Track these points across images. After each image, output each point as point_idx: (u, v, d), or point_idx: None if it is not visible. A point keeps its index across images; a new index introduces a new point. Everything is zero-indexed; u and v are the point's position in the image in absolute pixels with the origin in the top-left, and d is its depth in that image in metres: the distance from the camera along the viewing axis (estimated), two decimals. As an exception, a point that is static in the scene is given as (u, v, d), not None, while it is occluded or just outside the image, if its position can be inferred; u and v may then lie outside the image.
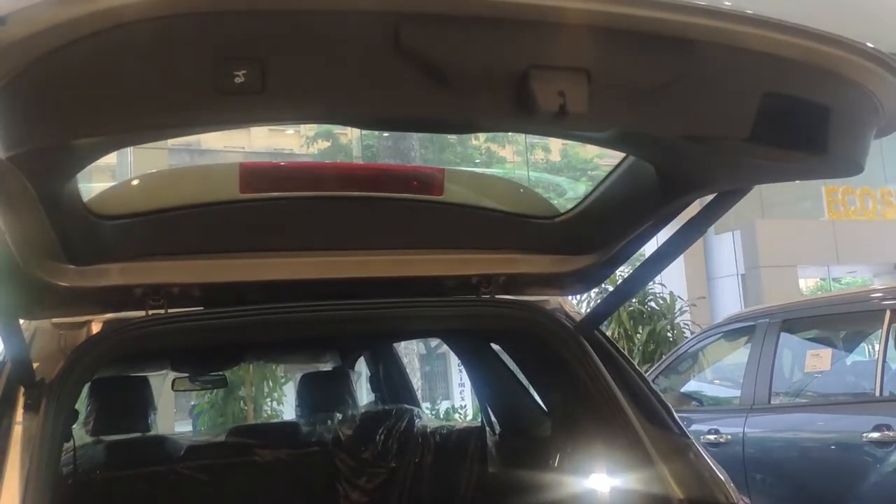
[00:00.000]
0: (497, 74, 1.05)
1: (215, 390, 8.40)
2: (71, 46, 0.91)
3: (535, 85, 1.04)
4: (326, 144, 16.80)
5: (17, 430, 1.69)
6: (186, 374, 3.90)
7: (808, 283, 15.34)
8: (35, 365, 1.75)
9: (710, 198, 1.79)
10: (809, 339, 5.42)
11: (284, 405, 9.94)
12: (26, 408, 1.71)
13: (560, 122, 1.08)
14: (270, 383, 9.76)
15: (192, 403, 11.30)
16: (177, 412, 11.51)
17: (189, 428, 11.04)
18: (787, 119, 1.27)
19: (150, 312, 1.87)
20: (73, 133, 1.02)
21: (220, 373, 4.14)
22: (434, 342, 14.40)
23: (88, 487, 2.59)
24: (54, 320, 1.92)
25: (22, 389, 1.73)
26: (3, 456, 1.63)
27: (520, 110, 1.06)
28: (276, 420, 8.38)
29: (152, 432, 3.19)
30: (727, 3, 1.16)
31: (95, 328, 1.91)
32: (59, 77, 0.94)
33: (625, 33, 1.08)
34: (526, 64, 1.04)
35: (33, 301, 1.78)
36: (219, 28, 0.94)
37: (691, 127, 1.29)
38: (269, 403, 9.81)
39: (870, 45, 1.25)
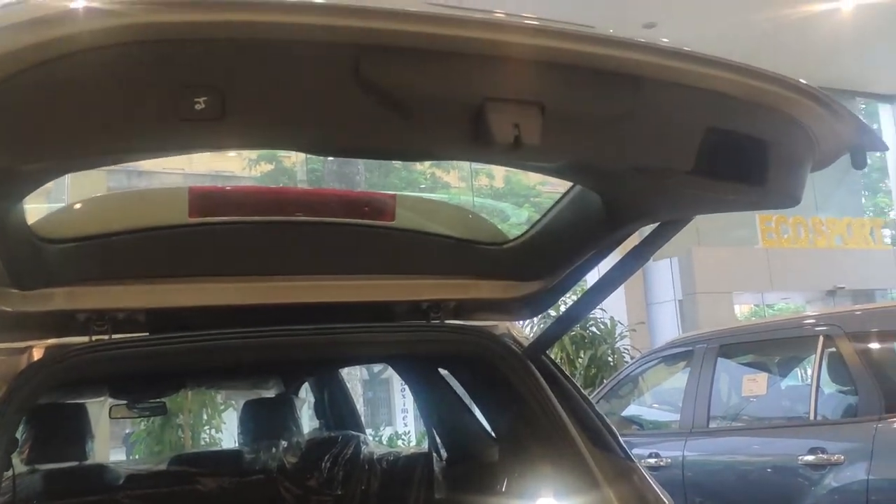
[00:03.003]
0: (454, 106, 1.08)
1: (152, 418, 8.20)
2: (29, 71, 0.90)
3: (490, 117, 1.07)
4: (270, 167, 16.67)
5: None
6: (125, 402, 3.81)
7: (742, 309, 15.71)
8: None
9: (651, 227, 1.84)
10: (746, 364, 5.56)
11: (223, 433, 9.74)
12: None
13: (514, 153, 1.11)
14: (209, 410, 9.55)
15: (127, 431, 10.97)
16: (109, 441, 11.16)
17: (122, 457, 10.72)
18: (728, 153, 1.32)
19: (94, 338, 1.84)
20: (28, 158, 1.01)
21: (160, 400, 4.05)
22: (377, 367, 14.32)
23: None
24: None
25: None
26: None
27: (476, 141, 1.09)
28: (218, 448, 8.20)
29: (90, 461, 3.11)
30: (666, 40, 1.21)
31: (37, 354, 1.86)
32: (16, 102, 0.93)
33: (576, 69, 1.12)
34: (482, 96, 1.07)
35: None
36: (179, 56, 0.95)
37: (638, 159, 1.34)
38: (208, 431, 9.59)
39: (805, 82, 1.31)
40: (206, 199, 1.85)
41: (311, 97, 1.02)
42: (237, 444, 3.71)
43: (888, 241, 16.54)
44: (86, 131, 0.97)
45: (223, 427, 9.68)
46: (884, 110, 16.75)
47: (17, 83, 0.91)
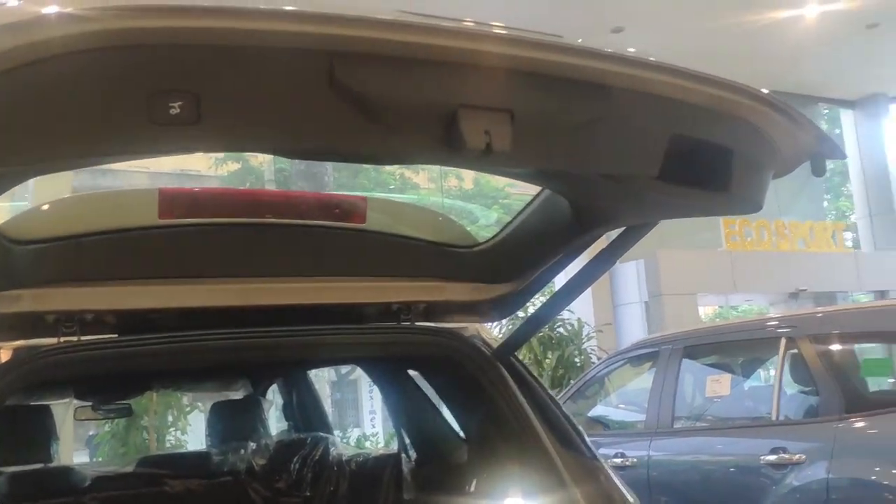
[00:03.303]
0: (427, 112, 1.10)
1: (117, 420, 8.12)
2: (3, 76, 0.91)
3: (463, 123, 1.09)
4: (237, 166, 16.55)
5: None
6: (90, 403, 3.78)
7: (706, 311, 15.91)
8: None
9: (618, 231, 1.88)
10: (710, 365, 5.65)
11: (189, 435, 9.67)
12: None
13: (486, 159, 1.13)
14: (175, 412, 9.47)
15: (90, 433, 10.83)
16: (72, 443, 11.00)
17: (86, 459, 10.57)
18: (693, 159, 1.35)
19: (63, 339, 1.83)
20: (3, 161, 1.01)
21: (126, 401, 4.02)
22: (345, 369, 14.29)
23: None
24: None
25: None
26: None
27: (448, 147, 1.11)
28: (186, 449, 8.14)
29: (55, 463, 3.08)
30: (632, 49, 1.25)
31: (5, 356, 1.85)
32: None
33: (546, 77, 1.15)
34: (455, 103, 1.09)
35: None
36: (154, 61, 0.96)
37: (605, 165, 1.37)
38: (174, 433, 9.51)
39: (767, 91, 1.35)
40: (176, 201, 1.85)
41: (287, 102, 1.04)
42: (205, 446, 3.69)
43: (849, 244, 16.87)
44: (63, 135, 0.97)
45: (189, 429, 9.60)
46: (845, 115, 17.08)
47: None
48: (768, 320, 5.63)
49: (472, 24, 1.10)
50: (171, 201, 1.83)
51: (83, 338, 1.84)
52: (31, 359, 1.79)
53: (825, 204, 19.21)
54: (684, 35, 11.46)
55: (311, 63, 1.01)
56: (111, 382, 3.17)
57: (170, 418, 9.31)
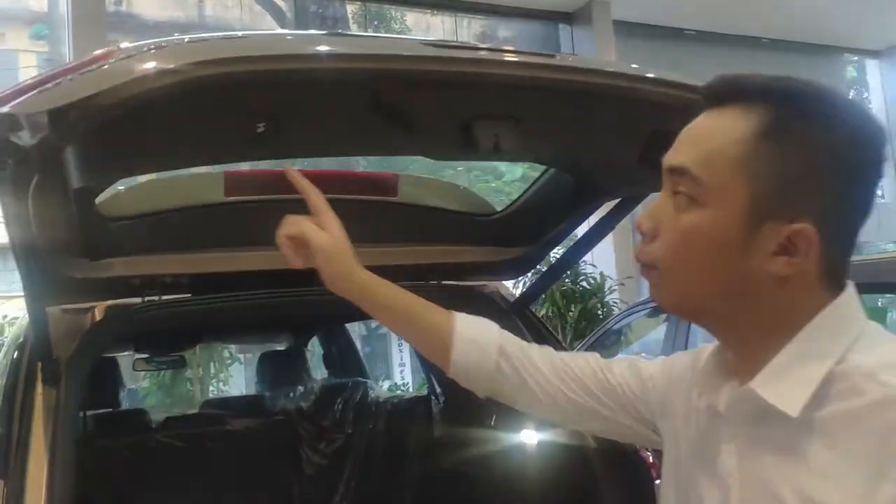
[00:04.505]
0: (449, 123, 1.42)
1: (162, 373, 8.61)
2: (138, 109, 1.20)
3: (477, 130, 1.41)
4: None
5: (39, 401, 1.99)
6: (146, 356, 4.15)
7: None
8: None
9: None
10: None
11: (230, 385, 10.16)
12: (45, 382, 2.01)
13: (496, 156, 1.46)
14: (216, 364, 9.95)
15: (129, 387, 11.37)
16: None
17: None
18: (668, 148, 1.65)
19: (146, 299, 2.19)
20: (134, 171, 1.34)
21: (180, 354, 4.39)
22: (374, 323, 14.69)
23: (86, 455, 2.88)
24: (64, 306, 2.22)
25: (41, 365, 2.03)
26: (30, 423, 1.93)
27: (465, 147, 1.43)
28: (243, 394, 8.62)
29: (123, 408, 3.49)
30: (611, 61, 1.54)
31: (99, 313, 2.21)
32: (129, 131, 1.26)
33: (544, 91, 1.45)
34: (470, 114, 1.41)
35: (55, 290, 2.08)
36: (247, 93, 1.28)
37: (593, 155, 1.69)
38: (216, 384, 10.00)
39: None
40: (238, 181, 2.18)
41: (343, 117, 1.36)
42: (255, 392, 4.09)
43: (874, 194, 16.82)
44: (183, 151, 1.31)
45: (230, 380, 10.09)
46: (871, 66, 16.96)
47: (128, 118, 1.23)
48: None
49: (485, 51, 1.40)
50: (235, 181, 2.16)
51: (163, 297, 2.20)
52: (123, 315, 2.15)
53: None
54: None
55: (363, 89, 1.33)
56: (180, 336, 3.55)
57: (212, 370, 9.79)
